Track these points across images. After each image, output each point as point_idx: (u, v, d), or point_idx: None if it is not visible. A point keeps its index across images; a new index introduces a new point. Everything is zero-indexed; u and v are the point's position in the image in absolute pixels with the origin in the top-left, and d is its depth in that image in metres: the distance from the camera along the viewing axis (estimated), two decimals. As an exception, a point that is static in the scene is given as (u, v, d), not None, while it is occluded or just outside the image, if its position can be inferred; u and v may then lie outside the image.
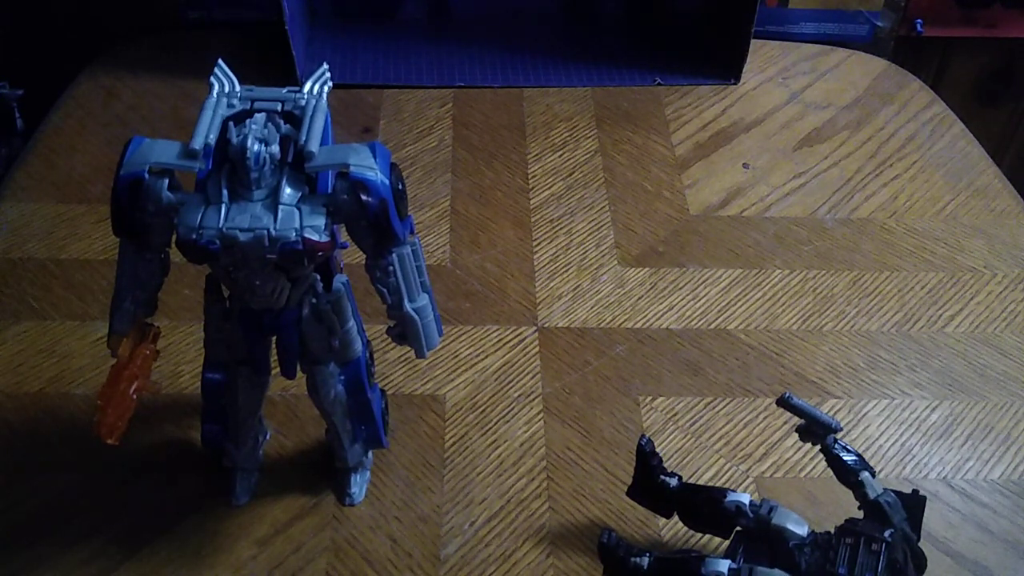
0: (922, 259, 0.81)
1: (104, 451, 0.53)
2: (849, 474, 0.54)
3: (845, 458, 0.55)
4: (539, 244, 0.81)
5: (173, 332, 0.71)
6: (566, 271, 0.79)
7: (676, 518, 0.57)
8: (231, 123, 0.49)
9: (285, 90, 0.51)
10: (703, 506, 0.54)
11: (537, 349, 0.72)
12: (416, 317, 0.53)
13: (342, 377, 0.56)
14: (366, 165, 0.49)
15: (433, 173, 0.88)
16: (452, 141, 0.92)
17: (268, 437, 0.64)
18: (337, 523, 0.61)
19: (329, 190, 0.50)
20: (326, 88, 0.51)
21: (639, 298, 0.77)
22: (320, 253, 0.49)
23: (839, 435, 0.56)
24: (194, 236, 0.47)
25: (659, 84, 1.00)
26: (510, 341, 0.73)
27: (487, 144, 0.92)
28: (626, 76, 1.01)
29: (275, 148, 0.48)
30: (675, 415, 0.68)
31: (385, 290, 0.53)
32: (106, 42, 1.03)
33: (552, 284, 0.78)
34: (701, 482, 0.64)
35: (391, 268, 0.52)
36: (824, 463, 0.56)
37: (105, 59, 1.01)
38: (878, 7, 1.08)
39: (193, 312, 0.71)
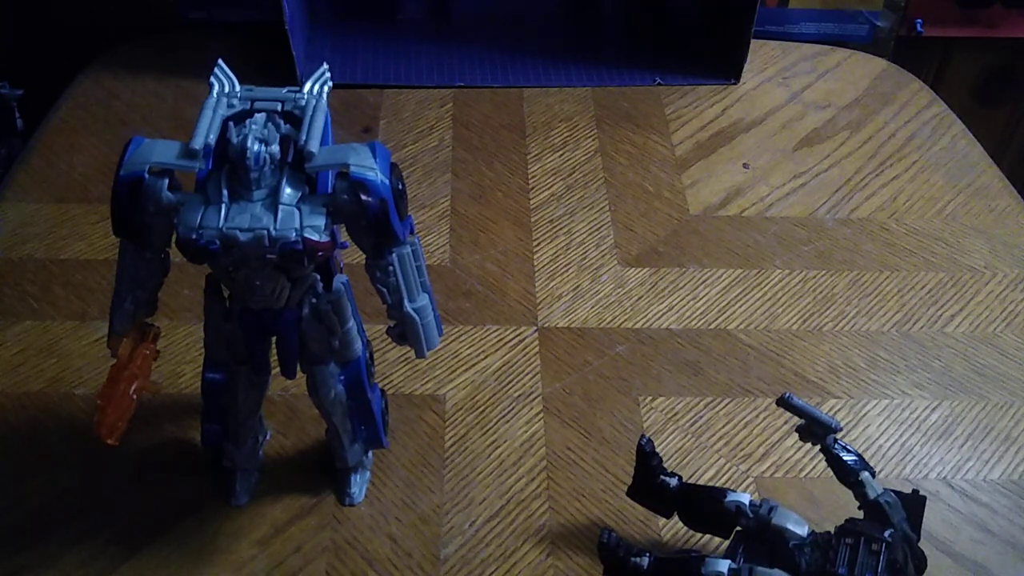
0: (922, 259, 0.81)
1: (104, 451, 0.53)
2: (849, 474, 0.54)
3: (845, 458, 0.55)
4: (539, 244, 0.81)
5: (173, 332, 0.71)
6: (566, 271, 0.79)
7: (676, 518, 0.57)
8: (231, 123, 0.49)
9: (285, 90, 0.51)
10: (703, 506, 0.54)
11: (537, 349, 0.72)
12: (416, 317, 0.53)
13: (342, 377, 0.56)
14: (366, 165, 0.49)
15: (433, 173, 0.88)
16: (452, 141, 0.92)
17: (268, 437, 0.64)
18: (337, 523, 0.61)
19: (329, 190, 0.50)
20: (326, 88, 0.51)
21: (639, 298, 0.77)
22: (320, 253, 0.49)
23: (839, 435, 0.56)
24: (194, 236, 0.47)
25: (659, 84, 1.00)
26: (510, 341, 0.73)
27: (487, 144, 0.92)
28: (626, 76, 1.01)
29: (275, 148, 0.48)
30: (675, 415, 0.68)
31: (385, 290, 0.53)
32: (106, 42, 1.03)
33: (552, 284, 0.78)
34: (701, 482, 0.64)
35: (391, 268, 0.52)
36: (824, 463, 0.56)
37: (105, 59, 1.01)
38: (878, 7, 1.08)
39: (193, 312, 0.71)
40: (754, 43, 0.98)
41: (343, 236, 0.52)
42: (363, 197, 0.49)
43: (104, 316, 0.54)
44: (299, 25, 0.96)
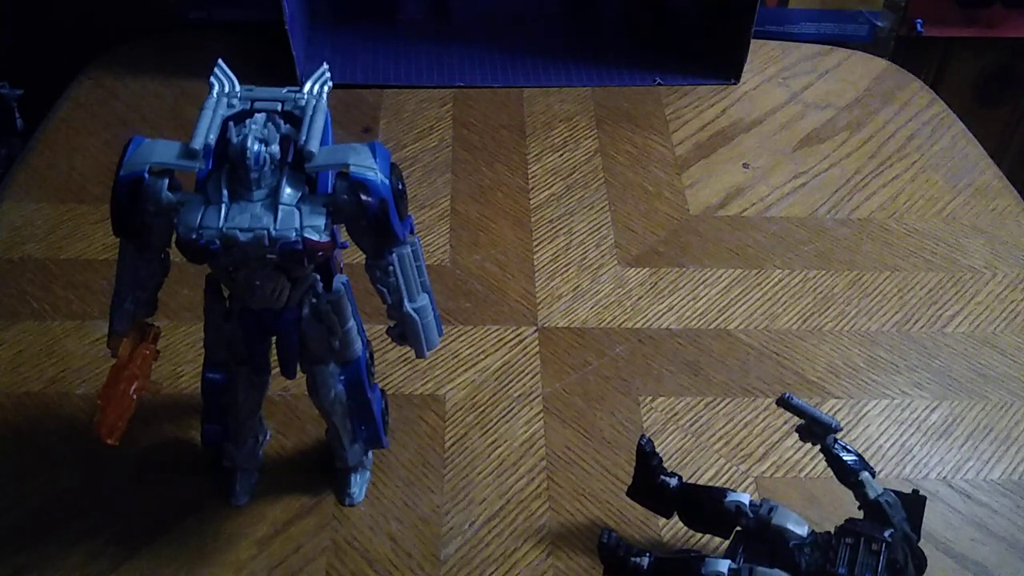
0: (922, 259, 0.81)
1: (104, 451, 0.53)
2: (849, 474, 0.54)
3: (845, 458, 0.55)
4: (539, 244, 0.81)
5: (173, 332, 0.71)
6: (566, 271, 0.79)
7: (676, 518, 0.57)
8: (231, 123, 0.49)
9: (285, 90, 0.51)
10: (703, 506, 0.54)
11: (537, 349, 0.72)
12: (416, 317, 0.53)
13: (342, 377, 0.56)
14: (366, 165, 0.49)
15: (433, 173, 0.88)
16: (452, 141, 0.92)
17: (268, 437, 0.64)
18: (337, 523, 0.61)
19: (329, 190, 0.50)
20: (326, 88, 0.51)
21: (639, 298, 0.77)
22: (320, 253, 0.49)
23: (839, 435, 0.56)
24: (194, 236, 0.47)
25: (659, 84, 1.00)
26: (510, 341, 0.73)
27: (487, 144, 0.92)
28: (626, 76, 1.01)
29: (275, 148, 0.48)
30: (675, 415, 0.68)
31: (385, 290, 0.53)
32: (106, 42, 1.03)
33: (552, 284, 0.78)
34: (701, 482, 0.64)
35: (391, 268, 0.52)
36: (824, 463, 0.56)
37: (105, 59, 1.01)
38: (878, 7, 1.08)
39: (193, 312, 0.71)
40: (754, 43, 0.98)
41: (343, 236, 0.52)
42: (363, 197, 0.49)
43: (104, 316, 0.54)
44: (299, 25, 0.96)
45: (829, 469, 0.56)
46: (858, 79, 1.02)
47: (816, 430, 0.56)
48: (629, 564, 0.51)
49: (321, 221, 0.48)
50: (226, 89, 0.51)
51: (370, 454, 0.63)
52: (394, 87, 0.98)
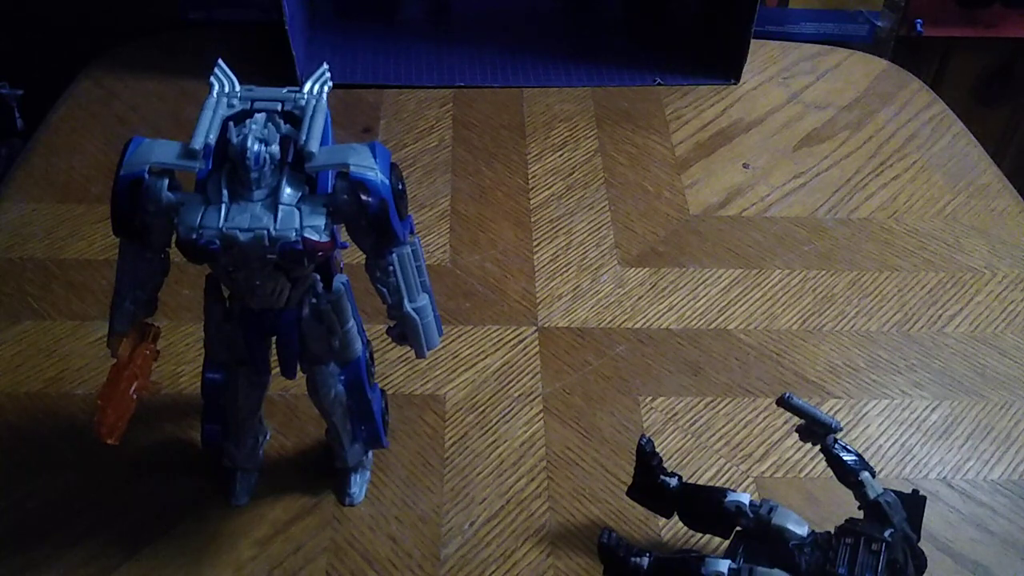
0: (922, 259, 0.81)
1: (104, 451, 0.53)
2: (849, 474, 0.54)
3: (845, 458, 0.55)
4: (539, 244, 0.81)
5: (173, 332, 0.71)
6: (566, 271, 0.79)
7: (676, 518, 0.57)
8: (231, 123, 0.49)
9: (285, 90, 0.51)
10: (703, 506, 0.54)
11: (537, 349, 0.72)
12: (416, 317, 0.53)
13: (342, 377, 0.56)
14: (366, 165, 0.49)
15: (433, 173, 0.88)
16: (452, 141, 0.92)
17: (268, 437, 0.64)
18: (337, 523, 0.61)
19: (329, 190, 0.50)
20: (326, 88, 0.51)
21: (639, 298, 0.77)
22: (320, 253, 0.49)
23: (839, 435, 0.56)
24: (194, 236, 0.47)
25: (659, 84, 1.00)
26: (510, 341, 0.73)
27: (487, 144, 0.92)
28: (626, 76, 1.01)
29: (275, 148, 0.48)
30: (675, 415, 0.68)
31: (385, 290, 0.53)
32: (106, 42, 1.03)
33: (552, 284, 0.78)
34: (701, 482, 0.64)
35: (391, 268, 0.52)
36: (824, 463, 0.56)
37: (105, 59, 1.01)
38: (878, 7, 1.08)
39: (193, 312, 0.71)
40: (754, 43, 0.98)
41: (343, 236, 0.52)
42: (363, 197, 0.49)
43: (104, 316, 0.54)
44: (299, 25, 0.96)
45: (829, 469, 0.56)
46: (858, 79, 1.02)
47: (816, 430, 0.56)
48: (629, 564, 0.51)
49: (321, 221, 0.48)
50: (226, 89, 0.51)
51: (370, 454, 0.63)
52: (394, 87, 0.98)
